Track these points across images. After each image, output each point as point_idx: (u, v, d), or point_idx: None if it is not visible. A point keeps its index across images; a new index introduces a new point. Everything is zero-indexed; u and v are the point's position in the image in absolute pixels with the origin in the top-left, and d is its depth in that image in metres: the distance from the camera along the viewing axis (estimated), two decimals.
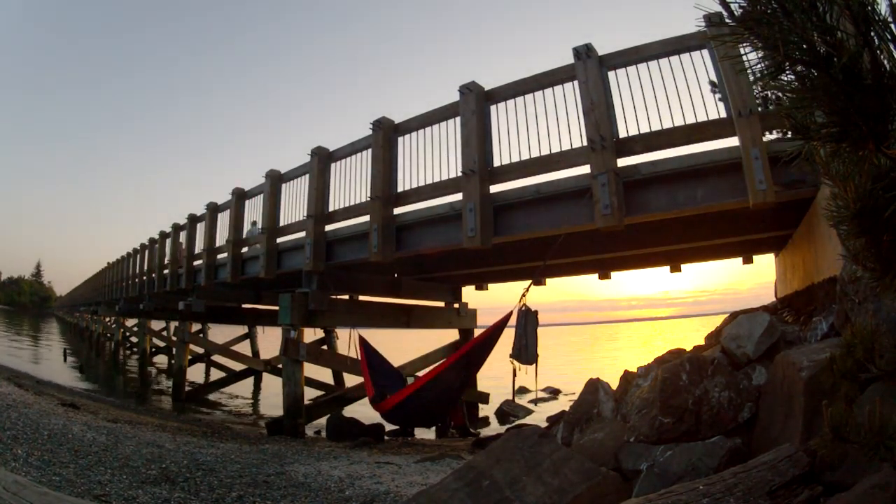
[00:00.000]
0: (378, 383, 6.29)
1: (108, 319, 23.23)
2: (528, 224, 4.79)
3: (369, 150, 5.96)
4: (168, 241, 12.08)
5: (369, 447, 5.78)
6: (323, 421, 7.07)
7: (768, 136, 3.86)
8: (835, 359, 1.45)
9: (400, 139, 5.80)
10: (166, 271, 12.06)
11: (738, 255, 6.73)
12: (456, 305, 8.92)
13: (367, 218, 5.87)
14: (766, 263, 6.64)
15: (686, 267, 7.06)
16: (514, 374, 5.45)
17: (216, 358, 14.58)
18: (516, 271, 7.29)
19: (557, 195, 4.58)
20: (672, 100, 3.98)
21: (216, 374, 14.00)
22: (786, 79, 0.99)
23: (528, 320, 5.44)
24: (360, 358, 6.74)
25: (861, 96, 0.90)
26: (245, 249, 8.44)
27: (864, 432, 1.16)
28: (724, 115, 3.87)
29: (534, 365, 5.36)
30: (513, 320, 5.62)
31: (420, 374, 6.75)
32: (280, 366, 7.47)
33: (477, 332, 7.97)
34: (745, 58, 1.03)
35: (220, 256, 9.35)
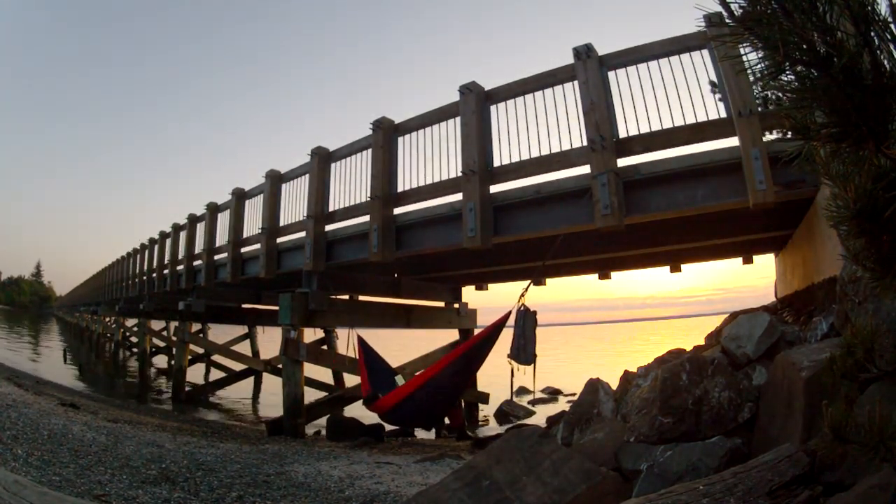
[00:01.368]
0: (374, 383, 6.28)
1: (108, 319, 23.21)
2: (528, 224, 4.79)
3: (369, 150, 5.96)
4: (168, 241, 12.09)
5: (369, 447, 5.78)
6: (323, 421, 7.06)
7: (768, 136, 3.85)
8: (835, 359, 1.45)
9: (400, 139, 5.80)
10: (166, 271, 12.06)
11: (738, 255, 6.73)
12: (456, 305, 8.91)
13: (367, 218, 5.87)
14: (768, 263, 6.64)
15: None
16: (513, 375, 5.45)
17: (216, 358, 14.55)
18: (516, 271, 7.29)
19: (557, 195, 4.58)
20: (672, 100, 3.98)
21: (216, 375, 13.97)
22: (786, 79, 0.99)
23: (526, 320, 5.44)
24: (358, 358, 6.74)
25: (861, 96, 0.90)
26: (245, 249, 8.44)
27: (864, 432, 1.16)
28: (724, 115, 3.86)
29: (532, 365, 5.35)
30: (511, 320, 5.62)
31: (417, 374, 6.72)
32: (280, 366, 7.46)
33: (476, 333, 7.96)
34: (745, 58, 1.03)
35: (219, 256, 9.35)
